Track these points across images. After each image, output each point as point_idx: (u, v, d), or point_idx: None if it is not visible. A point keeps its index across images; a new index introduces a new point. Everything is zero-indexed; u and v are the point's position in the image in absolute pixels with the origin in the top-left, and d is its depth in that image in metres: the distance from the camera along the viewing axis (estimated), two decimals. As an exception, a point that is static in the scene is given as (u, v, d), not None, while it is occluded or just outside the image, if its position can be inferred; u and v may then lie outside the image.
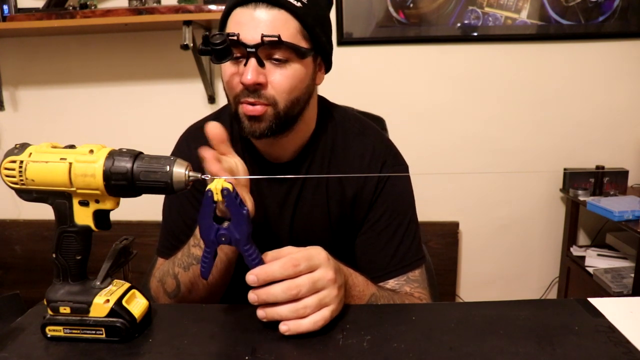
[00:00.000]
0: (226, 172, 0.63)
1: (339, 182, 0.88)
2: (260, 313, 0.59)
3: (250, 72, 0.73)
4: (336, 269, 0.62)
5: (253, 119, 0.77)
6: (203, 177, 0.56)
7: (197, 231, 0.76)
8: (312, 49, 0.79)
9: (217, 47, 0.70)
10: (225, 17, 0.79)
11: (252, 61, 0.73)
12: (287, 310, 0.57)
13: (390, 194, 0.88)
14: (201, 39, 0.73)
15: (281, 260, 0.59)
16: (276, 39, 0.72)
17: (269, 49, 0.74)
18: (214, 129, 0.69)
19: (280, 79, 0.76)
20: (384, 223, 0.87)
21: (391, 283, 0.84)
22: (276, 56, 0.75)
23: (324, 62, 0.85)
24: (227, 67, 0.77)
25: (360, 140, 0.89)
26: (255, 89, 0.75)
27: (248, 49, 0.73)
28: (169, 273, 0.79)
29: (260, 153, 0.88)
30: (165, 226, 0.90)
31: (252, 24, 0.73)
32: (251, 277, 0.58)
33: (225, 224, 0.58)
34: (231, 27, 0.76)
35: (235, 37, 0.72)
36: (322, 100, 0.93)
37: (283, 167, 0.88)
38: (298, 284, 0.58)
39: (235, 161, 0.71)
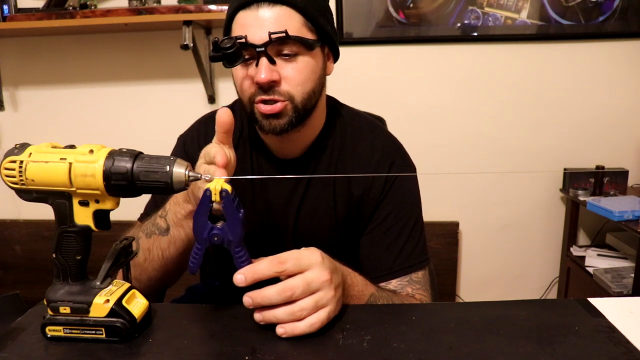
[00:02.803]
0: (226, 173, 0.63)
1: (347, 181, 0.88)
2: (258, 316, 0.58)
3: (263, 70, 0.74)
4: (332, 269, 0.61)
5: (272, 116, 0.77)
6: (203, 177, 0.56)
7: (167, 203, 0.77)
8: (319, 39, 0.79)
9: (228, 51, 0.71)
10: (229, 23, 0.79)
11: (264, 60, 0.74)
12: (284, 312, 0.57)
13: (397, 194, 0.88)
14: (209, 44, 0.74)
15: (268, 258, 0.58)
16: (284, 34, 0.73)
17: (277, 46, 0.75)
18: (225, 116, 0.66)
19: (293, 73, 0.76)
20: (389, 223, 0.87)
21: (394, 283, 0.84)
22: (285, 51, 0.76)
23: (332, 52, 0.86)
24: (238, 71, 0.78)
25: (369, 140, 0.90)
26: (270, 87, 0.75)
27: (257, 49, 0.73)
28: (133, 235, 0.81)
29: (268, 149, 0.88)
30: (152, 196, 0.90)
31: (258, 24, 0.74)
32: (239, 276, 0.57)
33: (219, 224, 0.58)
34: (237, 30, 0.77)
35: (243, 40, 0.73)
36: (330, 99, 0.93)
37: (291, 163, 0.88)
38: (292, 286, 0.57)
39: (230, 154, 0.70)
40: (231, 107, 0.94)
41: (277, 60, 0.76)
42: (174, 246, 0.76)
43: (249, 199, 0.89)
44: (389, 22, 1.94)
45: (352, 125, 0.91)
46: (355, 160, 0.89)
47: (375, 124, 0.94)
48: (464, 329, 0.59)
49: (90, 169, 0.53)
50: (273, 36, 0.72)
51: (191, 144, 0.92)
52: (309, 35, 0.77)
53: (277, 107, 0.76)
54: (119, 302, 0.58)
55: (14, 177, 0.54)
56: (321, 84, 0.83)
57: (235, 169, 0.71)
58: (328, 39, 0.82)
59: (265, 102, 0.77)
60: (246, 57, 0.75)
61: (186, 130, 0.96)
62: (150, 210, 0.87)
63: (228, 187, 0.56)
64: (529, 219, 2.10)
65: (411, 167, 0.92)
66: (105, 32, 2.03)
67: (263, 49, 0.73)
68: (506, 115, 2.01)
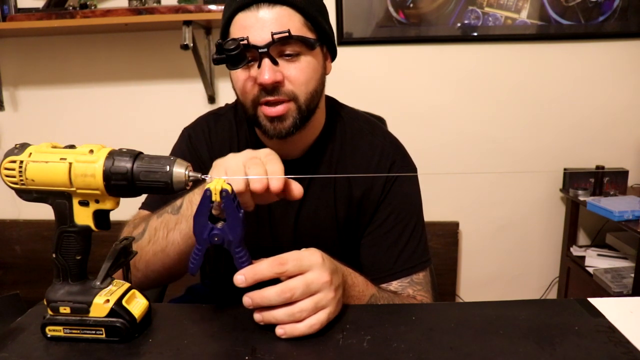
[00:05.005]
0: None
1: (347, 182, 0.88)
2: (257, 317, 0.58)
3: (266, 71, 0.73)
4: (332, 270, 0.61)
5: (276, 119, 0.77)
6: (203, 177, 0.56)
7: (182, 210, 0.72)
8: (318, 39, 0.79)
9: (232, 52, 0.71)
10: (227, 25, 0.78)
11: (267, 61, 0.74)
12: (283, 314, 0.57)
13: (397, 194, 0.87)
14: (209, 44, 0.73)
15: (269, 259, 0.58)
16: (287, 34, 0.72)
17: (279, 47, 0.75)
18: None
19: (297, 73, 0.76)
20: (390, 224, 0.86)
21: (395, 284, 0.84)
22: (288, 52, 0.75)
23: (329, 51, 0.86)
24: (239, 74, 0.77)
25: (369, 141, 0.89)
26: (274, 88, 0.75)
27: (260, 50, 0.73)
28: (143, 221, 0.77)
29: None
30: None
31: (259, 25, 0.74)
32: (239, 277, 0.57)
33: (220, 225, 0.57)
34: (236, 32, 0.76)
35: (244, 41, 0.72)
36: (330, 100, 0.93)
37: (291, 164, 0.88)
38: (291, 287, 0.57)
39: None
40: (218, 112, 0.94)
41: (280, 61, 0.75)
42: (179, 226, 0.71)
43: None
44: (389, 22, 1.94)
45: (352, 126, 0.91)
46: (355, 160, 0.88)
47: (375, 124, 0.94)
48: (464, 329, 0.59)
49: (90, 169, 0.53)
50: (276, 36, 0.72)
51: (196, 138, 0.91)
52: (309, 34, 0.77)
53: (281, 108, 0.76)
54: (119, 302, 0.57)
55: (14, 177, 0.54)
56: (322, 83, 0.83)
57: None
58: (326, 38, 0.82)
59: (269, 103, 0.76)
60: (249, 58, 0.75)
61: (191, 124, 0.95)
62: (154, 198, 0.85)
63: (228, 187, 0.56)
64: (528, 219, 2.10)
65: (412, 168, 0.91)
66: (105, 32, 2.03)
67: (265, 49, 0.73)
68: (506, 115, 2.01)
